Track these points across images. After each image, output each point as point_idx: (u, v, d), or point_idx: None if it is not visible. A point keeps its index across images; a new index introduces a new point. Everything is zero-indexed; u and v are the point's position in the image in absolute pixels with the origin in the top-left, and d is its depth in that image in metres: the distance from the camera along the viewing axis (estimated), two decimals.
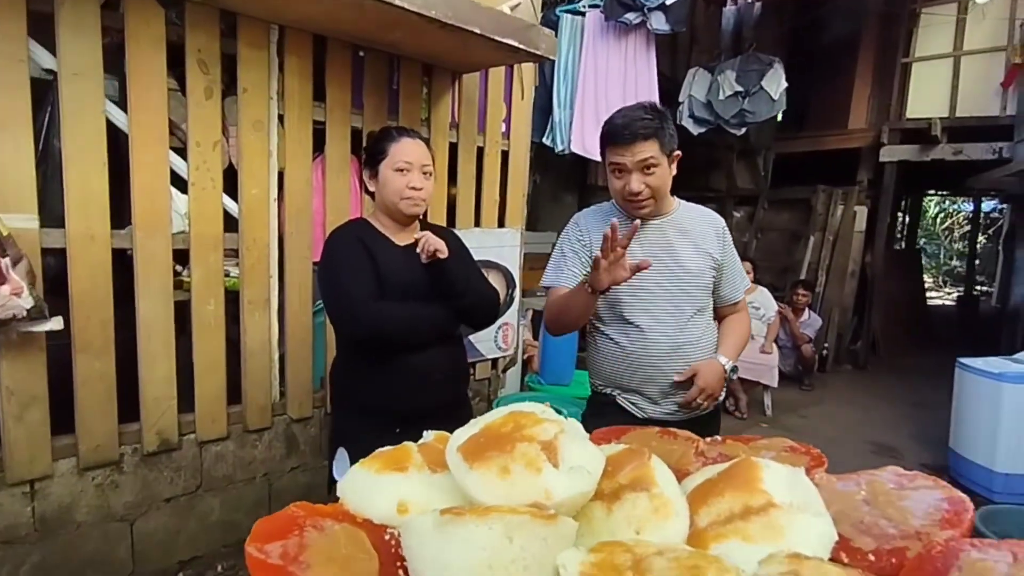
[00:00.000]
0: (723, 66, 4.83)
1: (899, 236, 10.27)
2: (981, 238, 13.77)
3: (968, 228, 16.89)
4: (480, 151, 2.94)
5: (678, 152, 1.64)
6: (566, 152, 3.84)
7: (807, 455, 0.73)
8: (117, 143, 1.88)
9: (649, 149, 1.55)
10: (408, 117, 2.59)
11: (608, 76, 3.67)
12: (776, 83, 4.58)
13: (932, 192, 11.92)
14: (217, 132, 2.04)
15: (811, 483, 0.59)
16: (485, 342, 3.10)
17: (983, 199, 10.83)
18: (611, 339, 1.76)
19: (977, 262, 12.77)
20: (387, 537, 0.58)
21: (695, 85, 4.96)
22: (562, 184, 6.69)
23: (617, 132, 1.57)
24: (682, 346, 1.69)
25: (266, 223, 2.21)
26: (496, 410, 0.69)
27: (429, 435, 0.77)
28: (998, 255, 13.55)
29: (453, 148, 2.82)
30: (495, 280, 3.07)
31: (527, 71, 3.06)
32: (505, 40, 2.18)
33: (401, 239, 1.73)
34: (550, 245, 6.01)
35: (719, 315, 1.83)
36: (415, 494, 0.63)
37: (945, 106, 6.30)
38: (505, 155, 3.07)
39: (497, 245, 3.06)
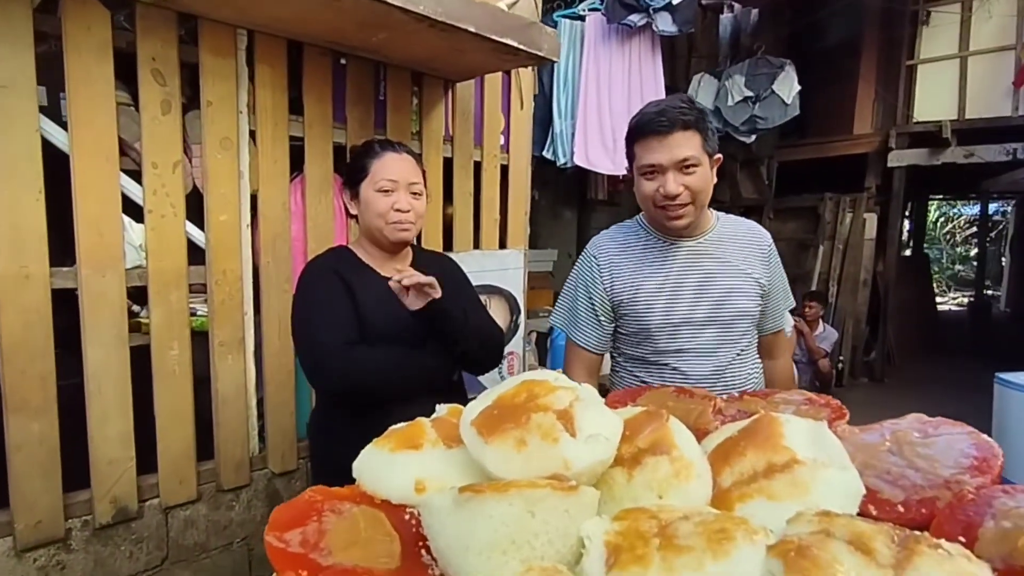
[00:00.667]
0: (730, 71, 4.61)
1: (905, 242, 10.05)
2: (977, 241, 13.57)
3: (971, 231, 16.79)
4: (477, 166, 2.69)
5: (719, 156, 1.40)
6: (568, 166, 3.60)
7: (827, 407, 0.67)
8: (60, 167, 1.61)
9: (689, 144, 1.31)
10: (397, 130, 2.34)
11: (611, 83, 3.43)
12: (788, 86, 4.35)
13: (936, 196, 11.76)
14: (177, 151, 1.78)
15: (834, 436, 0.55)
16: (488, 375, 2.81)
17: (990, 202, 10.64)
18: (640, 379, 1.50)
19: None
20: (407, 517, 0.57)
21: (701, 92, 4.73)
22: (561, 199, 6.47)
23: (652, 121, 1.32)
24: (725, 392, 1.43)
25: (238, 253, 1.94)
26: (508, 380, 0.65)
27: (442, 409, 0.74)
28: (1001, 258, 13.37)
29: (448, 164, 2.57)
30: (498, 307, 2.80)
31: (526, 78, 2.83)
32: (503, 40, 1.94)
33: (389, 269, 1.50)
34: (551, 263, 5.79)
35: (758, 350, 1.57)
36: (432, 471, 0.61)
37: (954, 108, 6.11)
38: (505, 170, 2.83)
39: (499, 268, 2.79)
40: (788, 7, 6.55)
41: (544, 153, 3.68)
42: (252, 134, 1.96)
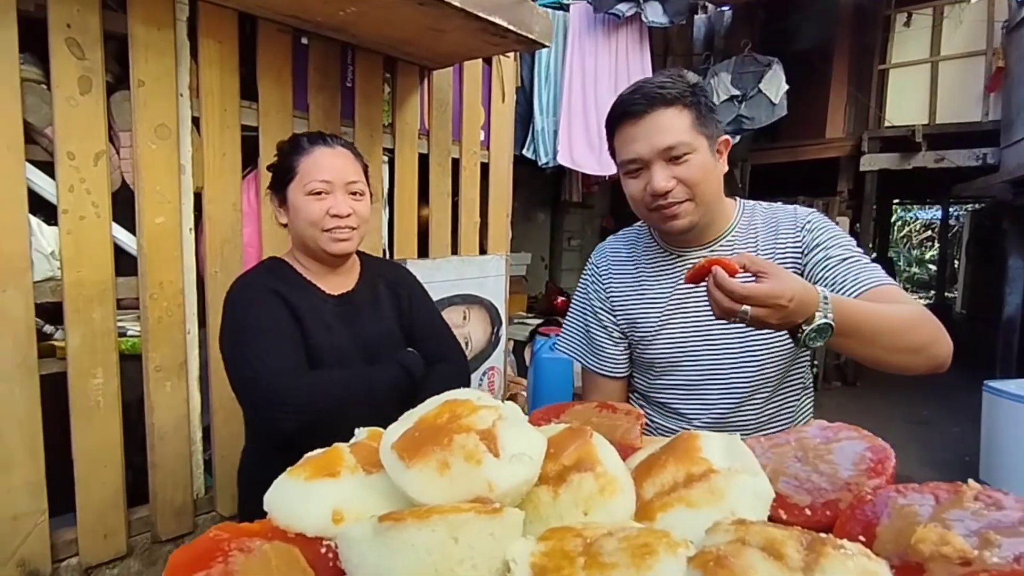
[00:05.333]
0: (716, 68, 4.45)
1: (871, 246, 10.19)
2: (938, 245, 13.94)
3: (926, 235, 17.31)
4: (456, 163, 2.44)
5: (727, 137, 1.15)
6: (550, 165, 3.37)
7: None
8: None
9: (675, 123, 1.05)
10: (367, 123, 2.07)
11: (597, 77, 3.22)
12: (776, 85, 4.21)
13: (904, 201, 11.96)
14: (101, 140, 1.48)
15: (745, 446, 0.59)
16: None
17: (950, 206, 10.89)
18: (649, 417, 1.26)
19: (934, 268, 12.88)
20: (323, 550, 0.54)
21: None
22: (535, 201, 6.27)
23: (624, 102, 1.09)
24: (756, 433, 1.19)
25: (178, 262, 1.65)
26: (430, 400, 0.64)
27: (361, 432, 0.71)
28: (954, 261, 13.78)
29: (423, 161, 2.31)
30: (478, 319, 2.55)
31: (509, 68, 2.59)
32: (490, 18, 1.69)
33: (333, 285, 1.30)
34: (524, 267, 5.55)
35: None
36: (350, 500, 0.58)
37: (924, 112, 6.14)
38: (485, 168, 2.58)
39: (479, 276, 2.54)
40: (762, 9, 6.49)
41: (524, 152, 3.43)
42: (195, 121, 1.67)
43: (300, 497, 0.60)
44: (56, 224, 1.44)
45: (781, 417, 1.21)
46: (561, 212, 6.59)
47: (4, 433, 1.38)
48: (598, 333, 1.28)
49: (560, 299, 5.42)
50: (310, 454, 0.69)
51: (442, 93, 2.33)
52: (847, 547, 0.43)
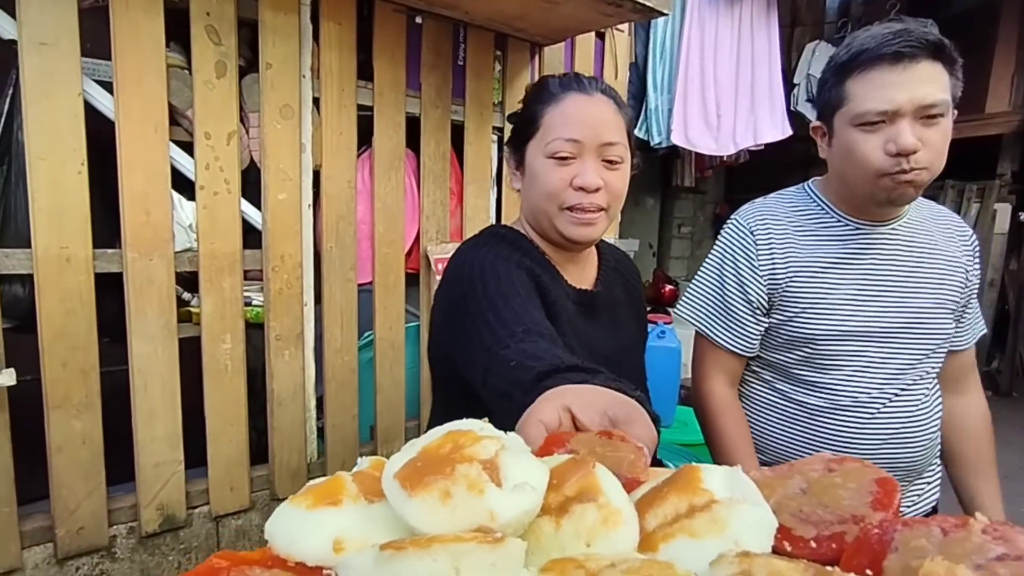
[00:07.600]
0: (854, 36, 4.01)
1: None
2: None
3: None
4: None
5: (955, 110, 1.00)
6: (663, 145, 3.21)
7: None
8: (103, 136, 1.44)
9: (935, 80, 0.94)
10: (477, 101, 2.06)
11: (717, 52, 3.01)
12: None
13: None
14: (233, 120, 1.58)
15: (748, 478, 0.57)
16: None
17: None
18: (781, 392, 1.18)
19: None
20: None
21: (815, 62, 4.15)
22: (644, 185, 6.07)
23: (881, 45, 0.94)
24: (902, 425, 1.11)
25: (298, 236, 1.73)
26: (433, 430, 0.55)
27: (364, 462, 0.60)
28: None
29: None
30: None
31: (622, 43, 2.48)
32: None
33: (575, 276, 1.03)
34: (632, 253, 5.38)
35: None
36: (352, 529, 0.49)
37: None
38: None
39: None
40: None
41: (636, 131, 3.29)
42: (316, 102, 1.74)
43: (301, 525, 0.58)
44: (194, 199, 1.55)
45: (936, 412, 1.17)
46: (671, 198, 6.33)
47: (148, 388, 1.52)
48: (739, 306, 1.14)
49: (668, 288, 5.20)
50: (312, 482, 0.67)
51: (553, 70, 2.27)
52: None
